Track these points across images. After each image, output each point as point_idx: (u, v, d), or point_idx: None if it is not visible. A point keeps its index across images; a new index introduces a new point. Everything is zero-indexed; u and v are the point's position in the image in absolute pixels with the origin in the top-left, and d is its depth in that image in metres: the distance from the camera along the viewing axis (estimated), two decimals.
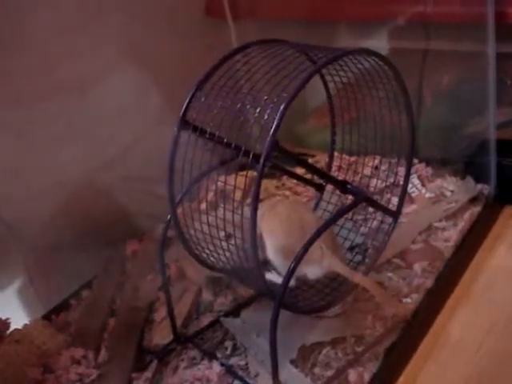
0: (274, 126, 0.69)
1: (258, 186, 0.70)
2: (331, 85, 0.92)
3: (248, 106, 0.77)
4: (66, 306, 1.12)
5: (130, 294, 1.09)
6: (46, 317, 1.09)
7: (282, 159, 1.27)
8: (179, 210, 0.86)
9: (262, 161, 0.70)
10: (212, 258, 0.86)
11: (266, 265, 0.99)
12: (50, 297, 1.13)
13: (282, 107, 0.70)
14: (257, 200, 0.72)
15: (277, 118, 0.69)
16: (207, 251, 0.86)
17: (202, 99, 0.79)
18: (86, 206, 1.17)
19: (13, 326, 1.04)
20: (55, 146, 1.11)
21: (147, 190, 1.19)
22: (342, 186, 0.84)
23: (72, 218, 1.16)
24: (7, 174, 1.05)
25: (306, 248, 0.77)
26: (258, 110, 0.73)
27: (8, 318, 1.04)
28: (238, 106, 0.76)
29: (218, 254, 0.83)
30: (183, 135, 0.80)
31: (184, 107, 0.80)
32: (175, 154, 0.79)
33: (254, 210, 0.71)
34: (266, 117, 0.72)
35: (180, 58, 1.29)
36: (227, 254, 0.81)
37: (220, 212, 0.80)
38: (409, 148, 0.92)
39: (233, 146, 0.79)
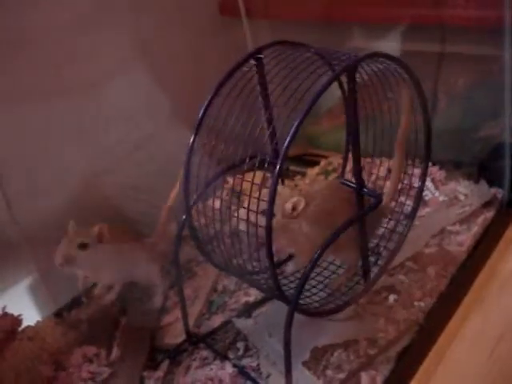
0: (285, 146, 0.70)
1: (272, 201, 0.71)
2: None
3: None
4: (78, 303, 1.12)
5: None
6: (58, 314, 1.10)
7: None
8: (193, 211, 0.86)
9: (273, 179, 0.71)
10: (223, 259, 0.86)
11: (279, 266, 1.00)
12: (61, 294, 1.14)
13: (295, 123, 0.70)
14: (272, 202, 0.72)
15: (290, 135, 0.70)
16: (218, 251, 0.86)
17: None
18: (96, 203, 1.17)
19: (25, 323, 1.04)
20: (65, 144, 1.11)
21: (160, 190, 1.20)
22: (358, 190, 0.84)
23: (83, 215, 1.16)
24: (18, 172, 1.05)
25: (319, 254, 0.77)
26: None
27: (20, 315, 1.04)
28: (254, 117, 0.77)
29: (230, 254, 0.83)
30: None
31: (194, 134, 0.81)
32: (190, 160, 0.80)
33: (270, 215, 0.72)
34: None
35: (193, 57, 1.29)
36: (239, 255, 0.81)
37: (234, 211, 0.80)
38: (424, 151, 0.92)
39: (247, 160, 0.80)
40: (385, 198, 0.92)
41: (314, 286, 0.92)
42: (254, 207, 0.76)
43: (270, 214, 0.71)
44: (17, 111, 1.03)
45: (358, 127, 0.79)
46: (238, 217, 0.79)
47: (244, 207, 0.77)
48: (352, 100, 0.76)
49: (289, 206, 0.84)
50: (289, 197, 0.85)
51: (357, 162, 0.81)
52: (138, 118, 1.21)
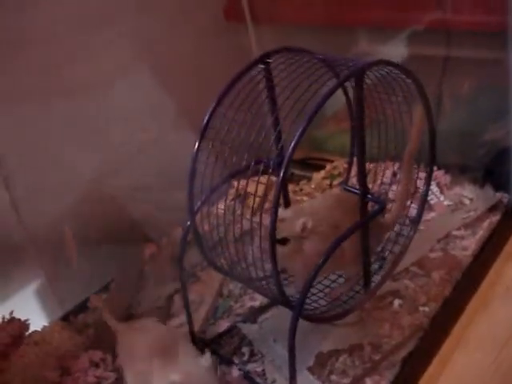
0: (289, 152, 0.71)
1: (277, 205, 0.71)
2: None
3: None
4: (85, 308, 1.12)
5: (148, 297, 1.10)
6: (65, 318, 1.10)
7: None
8: (198, 216, 0.87)
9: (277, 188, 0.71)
10: (227, 265, 0.86)
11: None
12: (68, 298, 1.14)
13: (299, 130, 0.71)
14: (277, 207, 0.72)
15: (293, 141, 0.71)
16: (222, 257, 0.86)
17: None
18: (102, 206, 1.18)
19: (32, 328, 1.05)
20: (71, 146, 1.11)
21: (164, 193, 1.20)
22: (362, 196, 0.84)
23: (89, 220, 1.16)
24: (24, 175, 1.06)
25: (324, 260, 0.77)
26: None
27: (27, 320, 1.05)
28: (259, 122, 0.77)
29: (234, 260, 0.83)
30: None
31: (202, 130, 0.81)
32: (195, 166, 0.81)
33: (274, 220, 0.72)
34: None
35: (198, 61, 1.30)
36: (243, 261, 0.81)
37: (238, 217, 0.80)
38: (429, 155, 0.93)
39: (252, 164, 0.80)
40: (390, 214, 0.93)
41: (320, 291, 0.93)
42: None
43: (274, 216, 0.72)
44: (22, 113, 1.03)
45: (363, 135, 0.79)
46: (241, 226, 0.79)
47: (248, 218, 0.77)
48: (359, 107, 0.77)
49: (298, 226, 0.83)
50: (293, 218, 0.84)
51: (361, 169, 0.81)
52: (142, 121, 1.21)
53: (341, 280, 0.95)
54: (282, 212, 0.85)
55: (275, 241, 0.73)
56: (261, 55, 0.83)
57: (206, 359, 0.79)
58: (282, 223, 0.81)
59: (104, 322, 0.98)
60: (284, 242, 0.82)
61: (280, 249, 0.81)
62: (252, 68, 0.82)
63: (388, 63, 0.79)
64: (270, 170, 0.79)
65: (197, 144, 0.81)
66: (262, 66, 0.83)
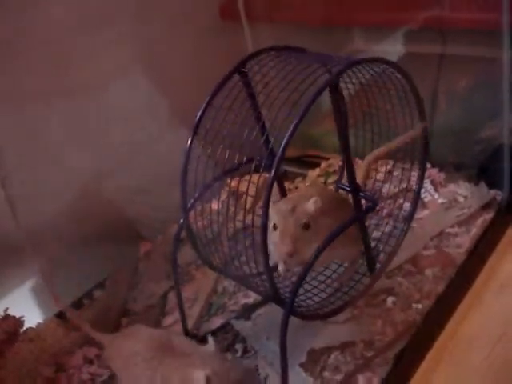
0: (280, 151, 0.72)
1: (267, 202, 0.72)
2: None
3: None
4: (79, 305, 1.13)
5: (143, 294, 1.10)
6: (60, 316, 1.10)
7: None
8: (191, 213, 0.87)
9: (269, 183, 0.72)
10: (220, 263, 0.86)
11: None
12: (63, 295, 1.14)
13: (290, 130, 0.72)
14: (267, 206, 0.73)
15: (284, 141, 0.72)
16: (216, 254, 0.86)
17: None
18: (99, 206, 1.18)
19: (27, 325, 1.05)
20: (68, 147, 1.12)
21: (162, 191, 1.20)
22: (354, 193, 0.84)
23: (85, 218, 1.17)
24: (21, 174, 1.06)
25: (316, 255, 0.77)
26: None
27: (22, 317, 1.05)
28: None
29: (227, 258, 0.84)
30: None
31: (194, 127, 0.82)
32: (188, 164, 0.81)
33: (265, 214, 0.72)
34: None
35: (194, 60, 1.30)
36: (236, 259, 0.82)
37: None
38: (422, 153, 0.93)
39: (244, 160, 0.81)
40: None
41: (315, 286, 0.93)
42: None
43: (265, 214, 0.72)
44: (22, 113, 1.03)
45: (347, 135, 0.80)
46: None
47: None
48: (338, 111, 0.77)
49: (311, 206, 0.82)
50: (300, 202, 0.83)
51: (349, 166, 0.81)
52: (139, 121, 1.22)
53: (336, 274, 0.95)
54: (286, 200, 0.87)
55: (266, 237, 0.73)
56: (241, 61, 0.83)
57: (211, 344, 0.80)
58: (293, 212, 0.81)
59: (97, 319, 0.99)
60: (307, 227, 0.81)
61: (307, 234, 0.80)
62: (233, 74, 0.83)
63: (381, 61, 0.80)
64: (261, 169, 0.80)
65: (189, 142, 0.81)
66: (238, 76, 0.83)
